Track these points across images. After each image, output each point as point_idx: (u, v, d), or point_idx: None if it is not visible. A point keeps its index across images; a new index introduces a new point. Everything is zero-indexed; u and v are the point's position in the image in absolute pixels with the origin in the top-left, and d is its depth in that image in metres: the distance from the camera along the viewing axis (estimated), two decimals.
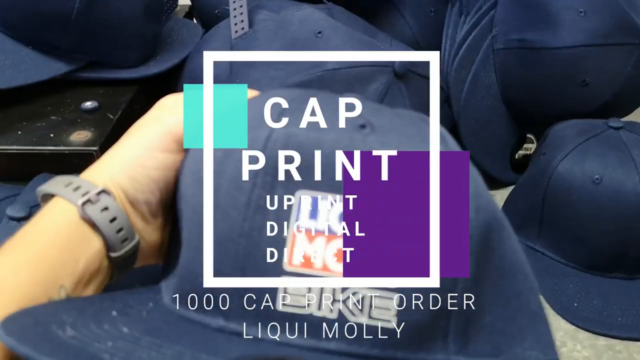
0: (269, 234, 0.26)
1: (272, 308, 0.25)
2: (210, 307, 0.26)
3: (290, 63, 0.59)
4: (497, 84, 0.76)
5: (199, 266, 0.27)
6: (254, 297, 0.25)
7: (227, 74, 0.61)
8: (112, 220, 0.31)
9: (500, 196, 0.76)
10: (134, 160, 0.33)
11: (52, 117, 0.57)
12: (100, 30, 0.61)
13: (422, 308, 0.26)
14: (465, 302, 0.27)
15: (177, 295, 0.28)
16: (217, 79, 0.62)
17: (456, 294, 0.26)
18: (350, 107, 0.29)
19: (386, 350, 0.25)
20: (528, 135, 0.83)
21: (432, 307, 0.26)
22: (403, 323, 0.25)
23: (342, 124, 0.28)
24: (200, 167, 0.28)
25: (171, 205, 0.34)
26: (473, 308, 0.27)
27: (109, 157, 0.34)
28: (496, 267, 0.28)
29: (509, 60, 0.74)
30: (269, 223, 0.26)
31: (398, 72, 0.59)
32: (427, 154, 0.27)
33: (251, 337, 0.25)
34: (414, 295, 0.25)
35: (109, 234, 0.31)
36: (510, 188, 0.75)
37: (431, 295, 0.26)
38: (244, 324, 0.25)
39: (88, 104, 0.58)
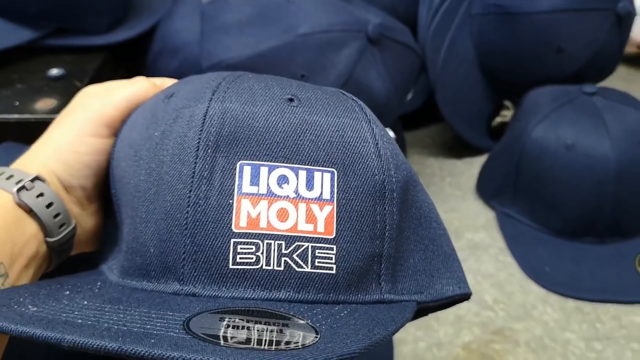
0: (215, 201, 0.27)
1: (225, 267, 0.27)
2: (164, 274, 0.28)
3: (262, 28, 0.58)
4: (474, 50, 0.76)
5: (149, 238, 0.28)
6: (207, 260, 0.27)
7: (198, 40, 0.60)
8: (49, 205, 0.32)
9: (478, 163, 0.77)
10: (66, 146, 0.33)
11: (17, 85, 0.56)
12: None
13: (357, 255, 0.29)
14: (392, 248, 0.30)
15: (127, 269, 0.30)
16: (188, 46, 0.61)
17: (385, 241, 0.29)
18: (279, 84, 0.31)
19: (329, 294, 0.28)
20: (505, 103, 0.83)
21: (366, 254, 0.29)
22: (342, 269, 0.28)
23: (271, 98, 0.30)
24: (138, 148, 0.31)
25: (105, 190, 0.35)
26: (399, 253, 0.31)
27: (40, 145, 0.34)
28: (414, 217, 0.32)
29: (486, 25, 0.74)
30: (214, 192, 0.27)
31: (371, 38, 0.58)
32: (346, 123, 0.30)
33: (208, 295, 0.27)
34: (350, 244, 0.28)
35: (46, 219, 0.31)
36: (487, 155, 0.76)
37: (365, 244, 0.29)
38: (200, 285, 0.27)
39: (55, 72, 0.57)
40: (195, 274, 0.27)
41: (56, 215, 0.32)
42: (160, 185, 0.28)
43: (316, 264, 0.28)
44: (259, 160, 0.28)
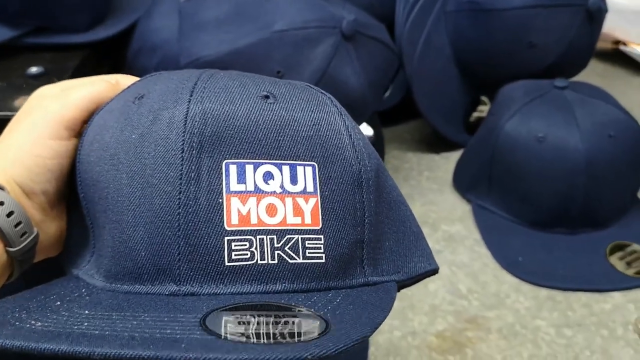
0: (204, 201, 0.28)
1: (221, 265, 0.28)
2: (157, 277, 0.28)
3: (239, 25, 0.59)
4: (449, 47, 0.77)
5: (139, 242, 0.28)
6: (202, 259, 0.28)
7: (176, 37, 0.61)
8: (9, 214, 0.30)
9: (455, 157, 0.78)
10: (26, 150, 0.32)
11: None
12: None
13: (343, 243, 0.30)
14: (372, 233, 0.32)
15: (115, 274, 0.29)
16: (166, 44, 0.62)
17: (365, 228, 0.31)
18: (253, 81, 0.32)
19: (321, 282, 0.30)
20: (482, 98, 0.84)
21: (350, 241, 0.30)
22: (331, 258, 0.30)
23: (248, 96, 0.30)
24: (115, 151, 0.30)
25: (68, 193, 0.34)
26: (377, 237, 0.32)
27: None
28: (386, 201, 0.33)
29: (460, 22, 0.75)
30: (202, 192, 0.28)
31: (346, 34, 0.59)
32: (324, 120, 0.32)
33: (207, 294, 0.28)
34: (335, 233, 0.30)
35: (7, 229, 0.30)
36: None
37: (348, 231, 0.30)
38: (197, 284, 0.28)
39: (34, 70, 0.58)
40: (191, 273, 0.28)
41: (17, 225, 0.31)
42: (145, 188, 0.29)
43: (307, 254, 0.29)
44: (243, 159, 0.29)
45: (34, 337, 0.23)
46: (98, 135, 0.32)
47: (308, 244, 0.29)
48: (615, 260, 0.62)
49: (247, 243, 0.28)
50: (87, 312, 0.26)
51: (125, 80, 0.36)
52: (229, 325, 0.25)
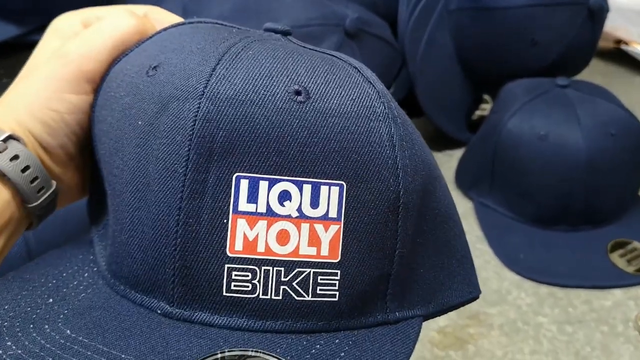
0: (207, 221, 0.24)
1: (218, 295, 0.25)
2: (152, 291, 0.26)
3: (242, 23, 0.59)
4: (452, 45, 0.78)
5: (135, 250, 0.26)
6: (198, 285, 0.25)
7: None
8: (25, 169, 0.28)
9: (458, 155, 0.78)
10: (43, 104, 0.29)
11: (3, 80, 0.57)
12: None
13: (363, 279, 0.26)
14: (402, 265, 0.27)
15: (114, 271, 0.27)
16: None
17: (395, 261, 0.27)
18: (285, 67, 0.26)
19: (331, 322, 0.26)
20: (484, 96, 0.85)
21: (373, 276, 0.26)
22: (346, 296, 0.26)
23: (275, 92, 0.25)
24: (120, 133, 0.27)
25: (89, 144, 0.32)
26: (408, 266, 0.28)
27: (13, 98, 0.30)
28: (429, 221, 0.29)
29: (463, 20, 0.76)
30: (206, 209, 0.24)
31: (349, 32, 0.59)
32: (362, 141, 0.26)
33: (200, 322, 0.25)
34: (356, 268, 0.26)
35: (22, 185, 0.28)
36: None
37: (372, 266, 0.26)
38: (190, 309, 0.25)
39: None
40: (186, 297, 0.25)
41: (33, 180, 0.28)
42: (146, 192, 0.26)
43: (318, 291, 0.25)
44: (258, 173, 0.24)
45: None
46: (108, 102, 0.29)
47: (321, 279, 0.25)
48: (616, 258, 0.63)
49: (249, 274, 0.25)
50: (68, 332, 0.24)
51: (155, 15, 0.33)
52: None
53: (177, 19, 0.33)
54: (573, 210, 0.64)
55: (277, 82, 0.25)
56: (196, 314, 0.25)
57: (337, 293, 0.25)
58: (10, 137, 0.28)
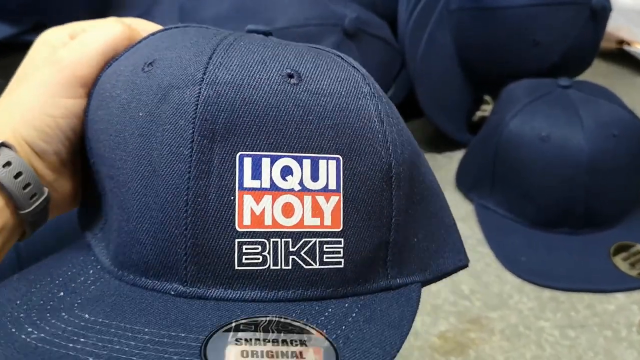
0: (214, 199, 0.26)
1: (230, 269, 0.26)
2: (164, 274, 0.26)
3: (239, 22, 0.58)
4: (453, 45, 0.77)
5: (144, 235, 0.27)
6: (211, 262, 0.26)
7: None
8: (17, 175, 0.29)
9: (458, 157, 0.77)
10: (38, 109, 0.30)
11: None
12: None
13: (365, 246, 0.28)
14: (399, 233, 0.29)
15: (122, 262, 0.28)
16: None
17: (392, 228, 0.28)
18: (275, 54, 0.28)
19: (338, 288, 0.27)
20: (485, 97, 0.84)
21: (374, 243, 0.28)
22: (350, 262, 0.27)
23: (269, 76, 0.27)
24: (121, 127, 0.28)
25: (82, 150, 0.32)
26: (404, 235, 0.29)
27: (6, 106, 0.30)
28: (418, 194, 0.30)
29: (463, 20, 0.75)
30: (212, 188, 0.26)
31: (348, 31, 0.59)
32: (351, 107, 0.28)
33: (215, 297, 0.26)
34: (357, 236, 0.27)
35: (15, 191, 0.29)
36: None
37: (372, 233, 0.28)
38: (204, 286, 0.26)
39: None
40: (199, 275, 0.26)
41: (26, 186, 0.29)
42: (152, 178, 0.26)
43: (324, 259, 0.27)
44: (259, 151, 0.26)
45: (28, 356, 0.22)
46: (104, 102, 0.29)
47: (326, 247, 0.27)
48: (618, 261, 0.62)
49: (259, 246, 0.26)
50: (87, 316, 0.25)
51: (139, 25, 0.33)
52: (230, 355, 0.23)
53: (160, 28, 0.34)
54: (575, 213, 0.63)
55: (271, 67, 0.27)
56: (210, 290, 0.26)
57: (342, 260, 0.27)
58: (2, 145, 0.29)
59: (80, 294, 0.27)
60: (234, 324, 0.25)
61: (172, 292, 0.26)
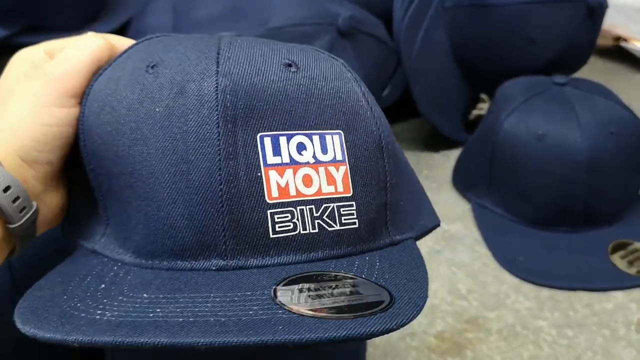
0: (244, 176, 0.28)
1: (266, 238, 0.29)
2: (202, 252, 0.29)
3: (234, 22, 0.58)
4: (448, 42, 0.76)
5: (179, 219, 0.29)
6: (248, 233, 0.28)
7: None
8: (6, 189, 0.29)
9: (455, 155, 0.77)
10: (30, 119, 0.30)
11: None
12: None
13: (371, 207, 0.31)
14: (393, 195, 0.33)
15: (151, 251, 0.29)
16: None
17: (388, 191, 0.33)
18: (272, 49, 0.31)
19: (356, 246, 0.31)
20: (482, 95, 0.84)
21: (377, 205, 0.32)
22: (362, 222, 0.31)
23: (272, 65, 0.30)
24: (135, 125, 0.29)
25: (70, 162, 0.33)
26: (396, 198, 0.33)
27: None
28: (400, 163, 0.34)
29: (459, 17, 0.74)
30: (241, 167, 0.28)
31: (342, 30, 0.58)
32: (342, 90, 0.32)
33: (255, 266, 0.29)
34: (364, 199, 0.31)
35: (4, 205, 0.29)
36: None
37: (375, 196, 0.32)
38: (243, 258, 0.29)
39: None
40: (237, 247, 0.28)
41: (15, 200, 0.29)
42: (180, 165, 0.28)
43: (343, 221, 0.30)
44: (276, 130, 0.29)
45: (119, 331, 0.24)
46: (107, 106, 0.31)
47: (343, 211, 0.30)
48: (617, 259, 0.61)
49: (289, 215, 0.29)
50: (145, 295, 0.27)
51: (116, 40, 0.35)
52: (302, 301, 0.26)
53: (126, 40, 0.36)
54: (573, 212, 0.63)
55: (272, 58, 0.30)
56: (249, 260, 0.28)
57: (357, 221, 0.30)
58: None
59: (121, 284, 0.28)
60: (289, 279, 0.28)
61: (214, 268, 0.28)
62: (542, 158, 0.62)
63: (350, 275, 0.28)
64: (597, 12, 0.72)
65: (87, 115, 0.32)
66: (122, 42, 0.35)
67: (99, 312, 0.25)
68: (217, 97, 0.28)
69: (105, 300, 0.26)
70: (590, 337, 0.54)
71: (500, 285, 0.60)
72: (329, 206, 0.30)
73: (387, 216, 0.32)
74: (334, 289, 0.27)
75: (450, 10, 0.75)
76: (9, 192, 0.29)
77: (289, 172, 0.29)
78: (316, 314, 0.25)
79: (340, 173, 0.30)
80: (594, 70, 0.99)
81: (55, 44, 0.34)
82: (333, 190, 0.30)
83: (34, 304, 0.27)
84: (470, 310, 0.56)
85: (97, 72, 0.32)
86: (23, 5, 0.59)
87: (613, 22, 1.07)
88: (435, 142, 0.82)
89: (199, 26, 0.59)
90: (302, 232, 0.29)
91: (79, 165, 0.32)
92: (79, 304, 0.26)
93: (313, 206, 0.29)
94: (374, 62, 0.64)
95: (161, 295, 0.26)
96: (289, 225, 0.29)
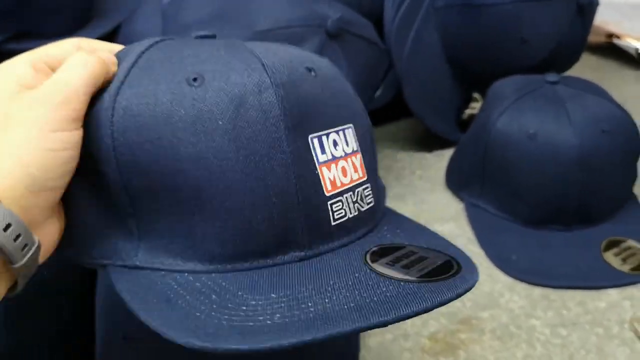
0: (309, 176, 0.32)
1: (330, 226, 0.33)
2: (283, 248, 0.32)
3: (222, 26, 0.58)
4: (440, 43, 0.76)
5: (261, 222, 0.31)
6: (318, 226, 0.32)
7: None
8: (6, 227, 0.27)
9: (448, 155, 0.77)
10: (35, 145, 0.29)
11: None
12: None
13: (375, 187, 0.36)
14: (377, 177, 0.38)
15: (231, 256, 0.31)
16: None
17: (377, 174, 0.38)
18: (290, 54, 0.35)
19: (375, 221, 0.36)
20: (474, 95, 0.83)
21: (377, 185, 0.37)
22: (375, 200, 0.36)
23: (302, 72, 0.33)
24: (200, 140, 0.30)
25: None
26: (377, 180, 0.39)
27: None
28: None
29: (450, 17, 0.74)
30: (304, 168, 0.32)
31: (331, 32, 0.58)
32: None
33: (325, 251, 0.33)
34: (372, 181, 0.36)
35: (6, 244, 0.27)
36: None
37: (375, 178, 0.37)
38: (316, 246, 0.33)
39: None
40: (310, 238, 0.32)
41: (17, 238, 0.28)
42: (257, 172, 0.31)
43: (367, 201, 0.35)
44: (318, 131, 0.33)
45: (291, 332, 0.26)
46: (151, 123, 0.31)
47: (366, 193, 0.35)
48: (610, 257, 0.61)
49: (340, 203, 0.33)
50: (274, 295, 0.29)
51: (96, 45, 0.34)
52: (400, 272, 0.31)
53: (108, 45, 0.36)
54: (566, 210, 0.63)
55: (298, 65, 0.34)
56: (320, 247, 0.33)
57: (373, 199, 0.36)
58: None
59: (225, 290, 0.30)
60: (370, 253, 0.33)
61: (296, 260, 0.32)
62: (534, 157, 0.62)
63: (404, 244, 0.34)
64: (587, 10, 0.72)
65: (121, 132, 0.31)
66: (102, 47, 0.34)
67: (260, 317, 0.28)
68: (279, 107, 0.31)
69: (242, 307, 0.29)
70: (583, 335, 0.54)
71: (494, 284, 0.59)
72: (358, 191, 0.34)
73: (379, 193, 0.38)
74: (407, 257, 0.32)
75: (441, 10, 0.74)
76: (9, 231, 0.27)
77: (333, 166, 0.33)
78: (422, 279, 0.30)
79: (358, 161, 0.35)
80: (587, 66, 0.99)
81: (38, 56, 0.33)
82: (357, 177, 0.34)
83: (185, 324, 0.28)
84: (463, 311, 0.56)
85: (108, 88, 0.32)
86: (12, 11, 0.59)
87: (605, 19, 1.07)
88: (428, 142, 0.82)
89: (187, 30, 0.59)
90: (349, 216, 0.33)
91: (82, 186, 0.32)
92: (224, 316, 0.28)
93: (351, 192, 0.34)
94: (364, 63, 0.64)
95: (281, 293, 0.29)
96: (342, 212, 0.33)
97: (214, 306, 0.28)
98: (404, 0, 0.73)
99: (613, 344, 0.53)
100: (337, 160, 0.33)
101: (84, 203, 0.33)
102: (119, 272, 0.32)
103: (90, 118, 0.32)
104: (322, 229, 0.32)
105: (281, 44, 0.37)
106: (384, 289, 0.29)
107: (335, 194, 0.33)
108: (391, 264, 0.32)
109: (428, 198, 0.72)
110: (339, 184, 0.33)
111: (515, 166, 0.63)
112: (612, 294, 0.58)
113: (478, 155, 0.67)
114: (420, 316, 0.54)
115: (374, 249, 0.33)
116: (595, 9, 0.75)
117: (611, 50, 1.09)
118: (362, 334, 0.53)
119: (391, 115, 0.86)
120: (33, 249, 0.29)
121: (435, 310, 0.55)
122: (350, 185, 0.34)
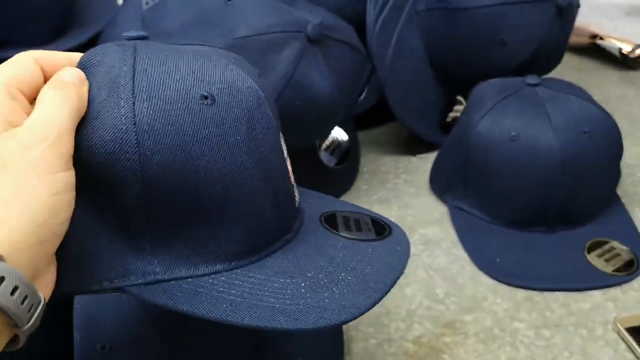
0: (287, 172, 0.37)
1: (295, 209, 0.38)
2: (280, 235, 0.36)
3: (201, 33, 0.58)
4: (422, 46, 0.76)
5: (269, 220, 0.35)
6: (292, 209, 0.37)
7: None
8: (14, 291, 0.25)
9: (433, 159, 0.77)
10: (39, 191, 0.27)
11: None
12: (7, 3, 0.59)
13: None
14: None
15: (250, 250, 0.34)
16: None
17: None
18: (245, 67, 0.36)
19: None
20: (458, 98, 0.84)
21: None
22: None
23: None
24: (226, 157, 0.32)
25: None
26: None
27: None
28: None
29: (431, 21, 0.74)
30: (287, 166, 0.38)
31: (311, 38, 0.58)
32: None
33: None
34: None
35: (14, 309, 0.26)
36: None
37: None
38: (294, 226, 0.37)
39: None
40: (293, 222, 0.38)
41: (24, 300, 0.26)
42: (271, 179, 0.35)
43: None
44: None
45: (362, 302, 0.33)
46: (176, 146, 0.31)
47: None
48: (593, 258, 0.61)
49: (295, 189, 0.39)
50: (303, 284, 0.33)
51: (47, 59, 0.32)
52: (356, 233, 0.38)
53: (66, 55, 0.34)
54: (549, 211, 0.63)
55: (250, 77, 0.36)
56: (293, 225, 0.38)
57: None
58: None
59: (266, 285, 0.33)
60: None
61: (286, 242, 0.37)
62: (515, 159, 0.62)
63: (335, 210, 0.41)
64: (566, 12, 0.73)
65: (149, 156, 0.31)
66: (54, 60, 0.33)
67: (319, 293, 0.33)
68: (274, 118, 0.35)
69: (286, 291, 0.33)
70: (567, 337, 0.54)
71: (477, 287, 0.59)
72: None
73: None
74: (349, 221, 0.40)
75: (423, 14, 0.75)
76: (17, 293, 0.26)
77: (288, 161, 0.38)
78: (378, 237, 0.39)
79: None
80: (570, 67, 0.99)
81: (7, 80, 0.30)
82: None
83: (269, 314, 0.31)
84: (447, 314, 0.56)
85: (85, 118, 0.31)
86: None
87: (588, 20, 1.07)
88: (413, 145, 0.82)
89: (167, 37, 0.58)
90: (298, 197, 0.39)
91: (83, 214, 0.31)
92: (286, 300, 0.32)
93: (293, 178, 0.39)
94: (347, 68, 0.64)
95: (310, 274, 0.34)
96: (297, 195, 0.39)
97: (267, 294, 0.32)
98: (386, 4, 0.73)
99: (597, 345, 0.53)
100: (287, 156, 0.38)
101: (83, 232, 0.31)
102: (143, 290, 0.31)
103: (103, 142, 0.31)
104: (294, 211, 0.37)
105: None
106: (370, 250, 0.36)
107: (294, 183, 0.38)
108: (348, 228, 0.38)
109: (413, 202, 0.72)
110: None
111: (498, 169, 0.63)
112: (596, 295, 0.58)
113: (460, 158, 0.67)
114: (404, 320, 0.55)
115: (323, 218, 0.39)
116: (576, 11, 0.75)
117: (594, 51, 1.09)
118: (346, 339, 0.53)
119: (375, 119, 0.86)
120: (39, 308, 0.27)
121: (419, 314, 0.56)
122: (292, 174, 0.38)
